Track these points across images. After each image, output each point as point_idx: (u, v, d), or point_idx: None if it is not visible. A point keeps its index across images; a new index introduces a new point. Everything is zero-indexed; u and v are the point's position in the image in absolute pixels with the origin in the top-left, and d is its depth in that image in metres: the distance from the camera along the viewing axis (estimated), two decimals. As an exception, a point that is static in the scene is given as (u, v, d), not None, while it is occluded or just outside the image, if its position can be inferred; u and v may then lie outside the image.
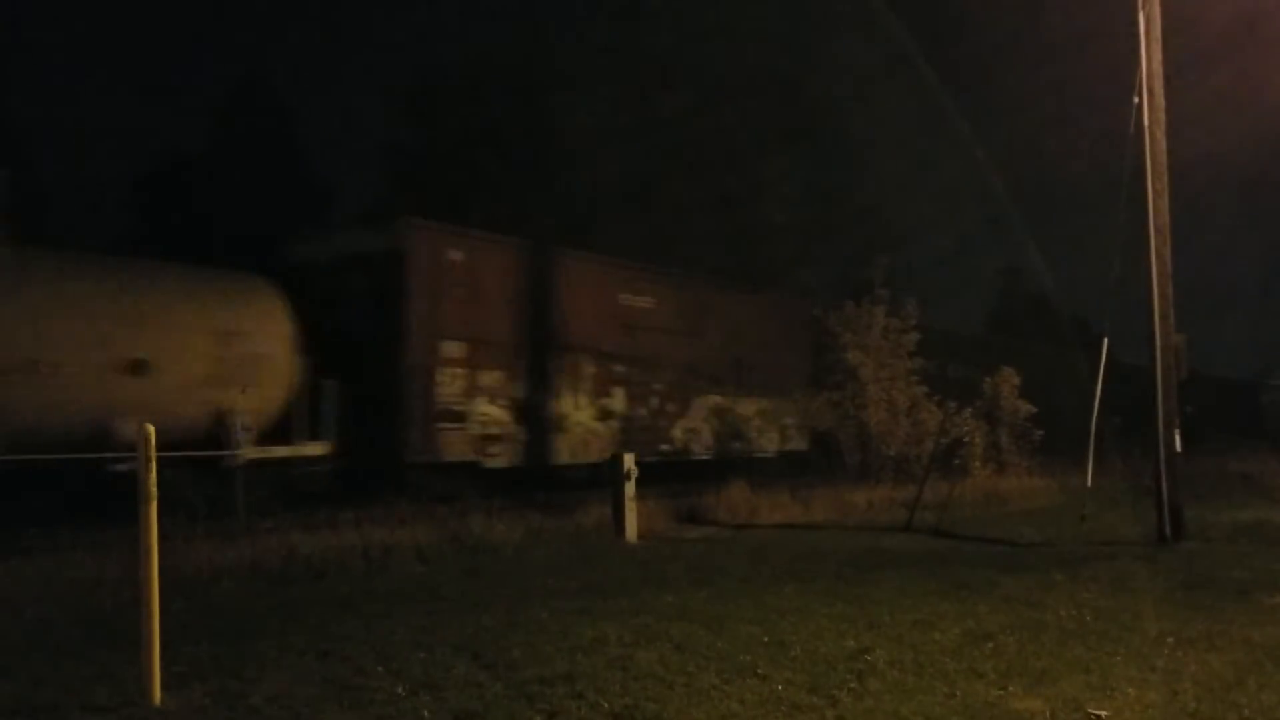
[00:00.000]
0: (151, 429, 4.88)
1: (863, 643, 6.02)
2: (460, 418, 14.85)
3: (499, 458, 15.44)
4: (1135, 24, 11.17)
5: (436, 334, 14.62)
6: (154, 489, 4.82)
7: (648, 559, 9.89)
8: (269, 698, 4.92)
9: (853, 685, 5.15)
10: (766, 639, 6.10)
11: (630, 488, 11.45)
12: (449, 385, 14.69)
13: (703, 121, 33.69)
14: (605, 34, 34.11)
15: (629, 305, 17.84)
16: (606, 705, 4.81)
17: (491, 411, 15.34)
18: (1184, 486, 11.22)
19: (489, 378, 15.33)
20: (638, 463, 11.65)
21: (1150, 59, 11.10)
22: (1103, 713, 4.74)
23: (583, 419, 16.85)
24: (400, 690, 5.04)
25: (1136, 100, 11.10)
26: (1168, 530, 10.78)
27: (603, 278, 17.60)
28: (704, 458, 18.87)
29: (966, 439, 17.25)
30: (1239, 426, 27.35)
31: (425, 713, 4.72)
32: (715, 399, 19.48)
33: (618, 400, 17.53)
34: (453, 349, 14.82)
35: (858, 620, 6.66)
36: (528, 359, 15.99)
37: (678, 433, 18.64)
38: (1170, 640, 6.11)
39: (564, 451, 16.51)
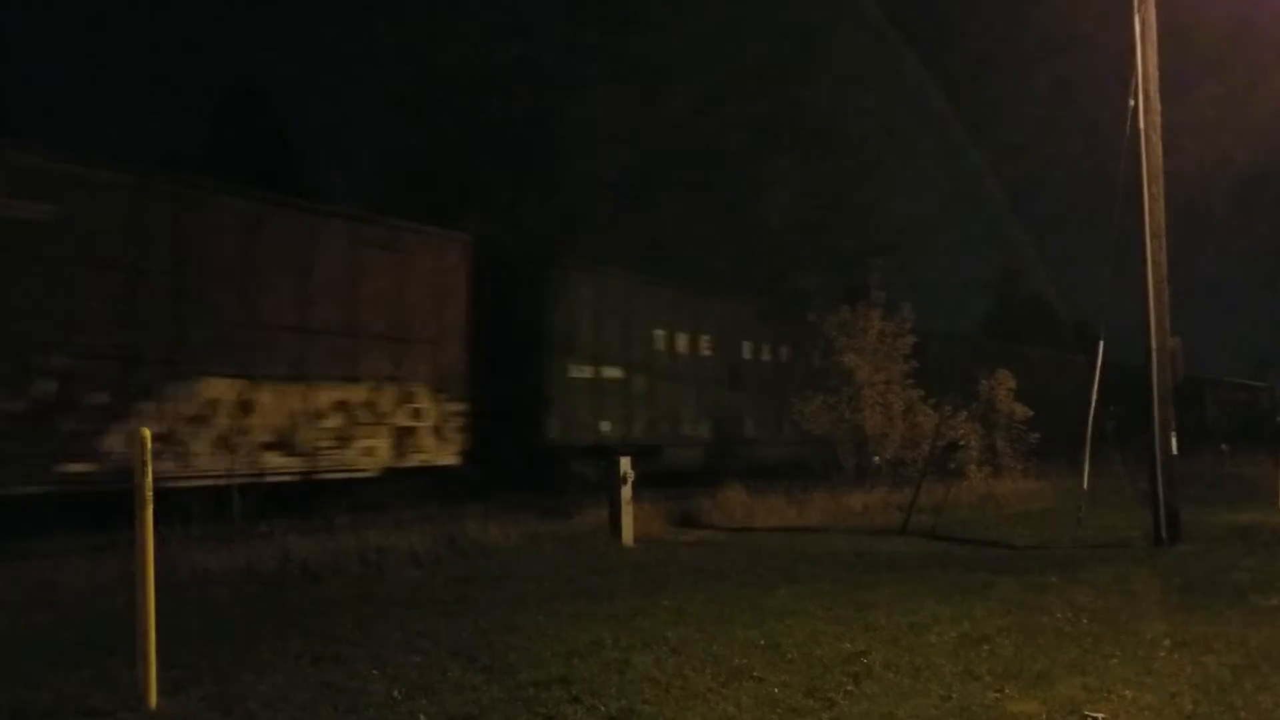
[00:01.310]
0: (147, 432, 4.87)
1: (859, 645, 6.03)
2: None
3: None
4: (1131, 28, 11.19)
5: None
6: (149, 493, 4.81)
7: (644, 562, 9.88)
8: (265, 702, 4.92)
9: (849, 688, 5.16)
10: (763, 642, 6.11)
11: (627, 491, 11.45)
12: None
13: (699, 125, 33.76)
14: (603, 37, 34.18)
15: None
16: (603, 709, 4.81)
17: None
18: (1179, 488, 11.24)
19: None
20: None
21: (1146, 63, 11.11)
22: (1099, 715, 4.75)
23: None
24: (396, 694, 5.04)
25: (1132, 104, 11.11)
26: (1164, 532, 10.78)
27: None
28: (184, 482, 11.35)
29: (962, 442, 17.25)
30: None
31: (421, 717, 4.72)
32: (224, 385, 12.28)
33: None
34: None
35: (854, 623, 6.66)
36: None
37: (115, 442, 11.04)
38: (1167, 642, 6.12)
39: None
